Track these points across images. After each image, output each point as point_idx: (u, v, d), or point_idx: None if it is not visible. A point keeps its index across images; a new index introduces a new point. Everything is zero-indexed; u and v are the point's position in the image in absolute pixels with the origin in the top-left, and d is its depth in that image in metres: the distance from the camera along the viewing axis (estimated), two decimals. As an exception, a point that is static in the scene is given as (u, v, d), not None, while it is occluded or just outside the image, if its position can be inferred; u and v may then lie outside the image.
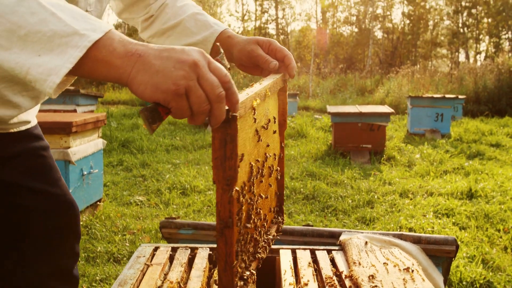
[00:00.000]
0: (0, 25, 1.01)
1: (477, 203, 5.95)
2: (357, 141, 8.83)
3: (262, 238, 1.55)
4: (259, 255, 1.50)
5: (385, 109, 9.13)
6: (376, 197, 6.26)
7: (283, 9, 41.32)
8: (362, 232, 2.07)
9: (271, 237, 1.62)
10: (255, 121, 1.38)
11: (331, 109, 9.30)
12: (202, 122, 1.10)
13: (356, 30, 40.63)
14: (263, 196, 1.51)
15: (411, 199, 6.22)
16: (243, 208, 1.32)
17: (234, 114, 1.14)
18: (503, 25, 35.73)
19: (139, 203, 5.99)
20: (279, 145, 1.71)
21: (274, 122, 1.61)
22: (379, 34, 39.93)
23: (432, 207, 5.80)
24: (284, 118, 1.72)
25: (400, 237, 2.08)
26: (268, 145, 1.54)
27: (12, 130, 1.66)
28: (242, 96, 1.27)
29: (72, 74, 1.05)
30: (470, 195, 6.31)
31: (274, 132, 1.62)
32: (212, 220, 5.20)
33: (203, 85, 1.05)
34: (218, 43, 1.30)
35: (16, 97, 1.50)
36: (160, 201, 6.05)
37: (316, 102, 19.23)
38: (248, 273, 1.37)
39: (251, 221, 1.40)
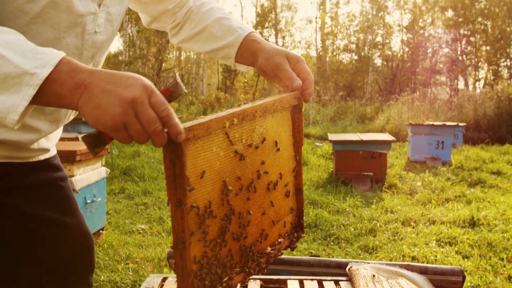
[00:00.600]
0: None
1: (479, 232, 5.94)
2: (358, 169, 8.84)
3: (255, 252, 1.57)
4: (247, 269, 1.53)
5: (386, 137, 9.16)
6: (378, 225, 6.26)
7: (283, 37, 41.64)
8: (369, 263, 2.08)
9: (273, 251, 1.65)
10: (230, 140, 1.42)
11: (332, 137, 9.33)
12: (143, 143, 1.19)
13: (355, 57, 40.88)
14: (251, 212, 1.53)
15: (413, 227, 6.22)
16: (212, 222, 1.37)
17: (181, 142, 1.20)
18: (501, 53, 35.96)
19: (141, 231, 5.98)
20: (290, 162, 1.73)
21: (277, 141, 1.64)
22: (378, 61, 40.18)
23: (435, 236, 5.80)
24: (300, 135, 1.75)
25: (407, 267, 2.09)
26: (263, 163, 1.57)
27: (31, 160, 1.69)
28: (207, 117, 1.33)
29: (32, 104, 1.13)
30: (473, 223, 6.30)
31: (278, 149, 1.64)
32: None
33: (140, 121, 1.12)
34: (176, 73, 1.34)
35: (35, 121, 1.52)
36: (163, 230, 6.04)
37: (316, 130, 19.28)
38: (224, 285, 1.41)
39: (230, 235, 1.44)
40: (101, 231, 5.59)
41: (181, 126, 1.18)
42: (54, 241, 1.72)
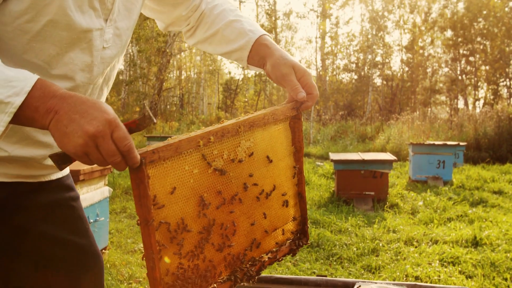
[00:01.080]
0: None
1: (482, 251, 5.93)
2: (360, 188, 8.85)
3: (244, 261, 1.62)
4: (233, 277, 1.59)
5: (388, 156, 9.18)
6: (381, 244, 6.25)
7: (284, 57, 41.79)
8: (375, 283, 2.09)
9: (269, 259, 1.71)
10: (204, 158, 1.49)
11: (334, 156, 9.34)
12: (107, 165, 1.31)
13: (355, 77, 41.05)
14: (236, 223, 1.58)
15: (416, 247, 6.21)
16: (187, 235, 1.45)
17: (143, 167, 1.32)
18: (500, 72, 36.13)
19: (143, 251, 5.97)
20: (287, 171, 1.77)
21: (269, 153, 1.69)
22: (378, 81, 40.34)
23: (438, 255, 5.79)
24: (301, 144, 1.80)
25: (414, 287, 2.10)
26: (251, 175, 1.61)
27: (42, 179, 1.70)
28: (179, 137, 1.43)
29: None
30: (475, 243, 6.29)
31: (271, 161, 1.68)
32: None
33: (101, 152, 1.24)
34: (147, 110, 1.40)
35: (46, 137, 1.55)
36: (165, 249, 6.03)
37: (317, 149, 19.30)
38: None
39: (210, 247, 1.51)
40: (103, 250, 5.59)
41: (139, 157, 1.29)
42: (64, 260, 1.73)
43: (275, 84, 40.47)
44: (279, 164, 1.73)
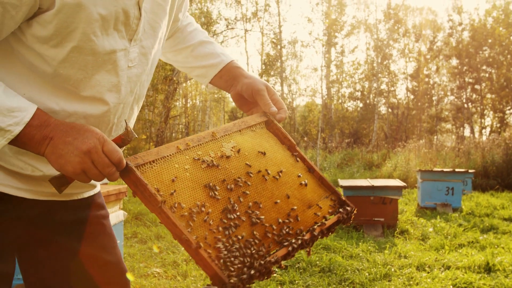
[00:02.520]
0: None
1: (496, 277, 5.91)
2: (369, 215, 8.84)
3: (290, 234, 1.68)
4: (287, 243, 1.64)
5: (397, 182, 9.19)
6: (392, 270, 6.23)
7: (289, 85, 42.01)
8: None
9: (318, 227, 1.78)
10: (189, 156, 1.63)
11: (343, 182, 9.35)
12: (100, 181, 1.48)
13: (361, 105, 41.13)
14: (257, 202, 1.67)
15: (428, 273, 6.19)
16: (210, 215, 1.54)
17: (129, 166, 1.47)
18: (507, 100, 36.18)
19: (156, 275, 5.98)
20: (289, 159, 1.90)
21: (260, 149, 1.82)
22: (383, 109, 40.40)
23: (451, 281, 5.77)
24: (290, 141, 1.94)
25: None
26: (249, 165, 1.74)
27: (75, 198, 1.74)
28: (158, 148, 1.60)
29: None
30: (488, 269, 6.27)
31: (264, 153, 1.81)
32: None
33: (96, 166, 1.41)
34: (128, 126, 1.51)
35: None
36: (178, 273, 6.04)
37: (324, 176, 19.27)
38: (248, 273, 1.49)
39: (241, 221, 1.59)
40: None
41: (125, 162, 1.46)
42: (93, 276, 1.77)
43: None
44: (276, 156, 1.86)
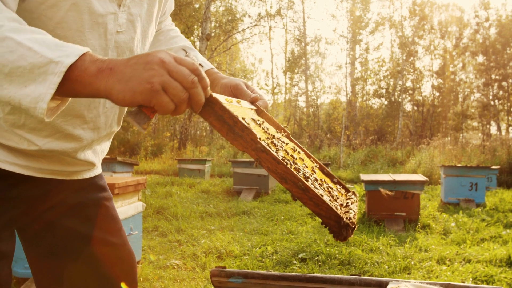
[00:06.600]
0: None
1: (517, 270, 5.85)
2: (391, 209, 8.79)
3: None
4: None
5: (419, 177, 9.12)
6: (412, 263, 6.19)
7: (313, 82, 41.94)
8: (409, 281, 2.10)
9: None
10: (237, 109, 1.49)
11: (365, 177, 9.31)
12: (184, 111, 1.20)
13: (385, 102, 40.90)
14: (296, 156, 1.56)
15: (448, 266, 6.14)
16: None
17: (211, 93, 1.24)
18: (534, 97, 35.67)
19: (175, 266, 6.03)
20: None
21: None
22: (408, 106, 40.11)
23: (471, 274, 5.72)
24: (282, 128, 1.83)
25: (447, 286, 2.11)
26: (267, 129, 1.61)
27: (75, 178, 1.75)
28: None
29: (61, 95, 1.18)
30: (510, 263, 6.20)
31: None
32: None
33: (175, 77, 1.14)
34: (186, 52, 1.38)
35: (76, 130, 1.59)
36: (197, 265, 6.08)
37: (347, 173, 19.22)
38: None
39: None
40: (137, 264, 5.65)
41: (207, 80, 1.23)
42: (98, 258, 1.78)
43: (304, 109, 40.26)
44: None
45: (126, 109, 1.77)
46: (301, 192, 1.26)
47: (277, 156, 1.25)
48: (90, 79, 1.15)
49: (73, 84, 1.16)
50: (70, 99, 1.25)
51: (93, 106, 1.59)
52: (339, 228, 1.28)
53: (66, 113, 1.53)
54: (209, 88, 1.23)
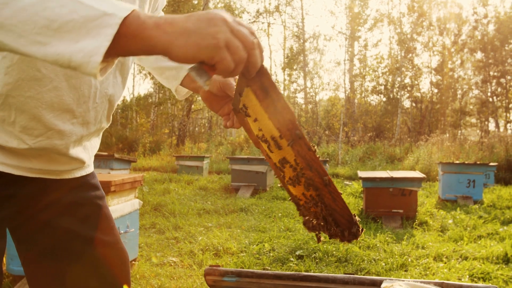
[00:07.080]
0: (37, 23, 1.05)
1: (513, 268, 5.85)
2: (388, 206, 8.80)
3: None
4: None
5: (417, 174, 9.13)
6: (409, 260, 6.20)
7: (312, 79, 41.91)
8: (403, 280, 2.10)
9: None
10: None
11: (362, 174, 9.32)
12: (237, 74, 1.15)
13: (384, 99, 40.87)
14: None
15: (445, 263, 6.15)
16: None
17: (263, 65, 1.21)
18: (532, 94, 35.68)
19: (172, 263, 6.03)
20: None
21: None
22: (407, 103, 40.11)
23: (468, 271, 5.72)
24: None
25: (441, 285, 2.11)
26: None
27: (66, 177, 1.74)
28: None
29: (112, 53, 1.10)
30: (507, 260, 6.21)
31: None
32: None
33: (237, 36, 1.10)
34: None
35: (66, 125, 1.55)
36: (194, 262, 6.07)
37: (345, 170, 19.23)
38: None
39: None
40: (133, 262, 5.65)
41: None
42: (90, 257, 1.77)
43: (303, 106, 40.16)
44: None
45: (115, 106, 1.75)
46: (322, 184, 1.26)
47: (308, 142, 1.25)
48: (149, 32, 1.08)
49: (129, 39, 1.09)
50: (116, 61, 1.17)
51: (82, 100, 1.56)
52: (350, 225, 1.29)
53: (56, 107, 1.50)
54: (263, 53, 1.20)
